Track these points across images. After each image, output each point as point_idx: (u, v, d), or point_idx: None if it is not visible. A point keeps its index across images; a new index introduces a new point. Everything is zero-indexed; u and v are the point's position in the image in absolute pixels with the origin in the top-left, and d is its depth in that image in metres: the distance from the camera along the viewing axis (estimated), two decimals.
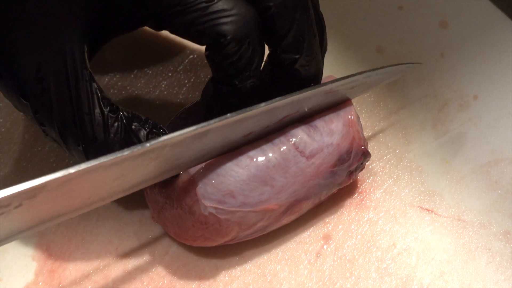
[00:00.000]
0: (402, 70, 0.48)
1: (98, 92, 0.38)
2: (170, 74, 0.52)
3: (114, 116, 0.39)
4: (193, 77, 0.52)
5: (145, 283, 0.44)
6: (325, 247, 0.46)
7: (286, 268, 0.44)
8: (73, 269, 0.44)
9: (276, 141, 0.42)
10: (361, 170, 0.46)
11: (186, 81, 0.52)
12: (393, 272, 0.45)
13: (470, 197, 0.48)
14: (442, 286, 0.45)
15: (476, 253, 0.46)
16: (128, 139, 0.39)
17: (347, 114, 0.44)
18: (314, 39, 0.41)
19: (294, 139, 0.43)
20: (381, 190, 0.48)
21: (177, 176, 0.42)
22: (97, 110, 0.38)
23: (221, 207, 0.41)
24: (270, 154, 0.42)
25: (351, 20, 0.56)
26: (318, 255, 0.45)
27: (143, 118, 0.40)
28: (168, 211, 0.43)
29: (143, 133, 0.40)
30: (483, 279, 0.45)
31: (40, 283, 0.44)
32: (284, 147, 0.42)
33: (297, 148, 0.43)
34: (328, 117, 0.44)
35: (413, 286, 0.44)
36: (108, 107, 0.39)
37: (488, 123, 0.51)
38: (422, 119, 0.51)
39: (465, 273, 0.45)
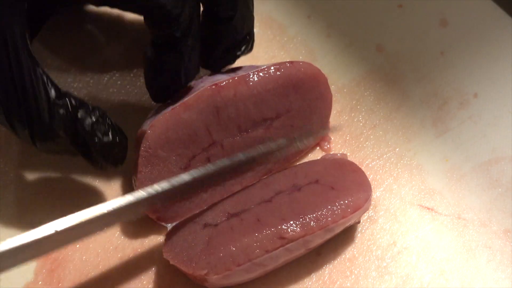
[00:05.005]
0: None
1: (44, 77, 0.39)
2: None
3: (60, 102, 0.39)
4: None
5: (144, 282, 0.44)
6: (325, 245, 0.46)
7: (286, 267, 0.44)
8: (73, 269, 0.44)
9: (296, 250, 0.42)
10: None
11: None
12: (393, 270, 0.45)
13: (470, 195, 0.48)
14: (443, 285, 0.45)
15: (476, 252, 0.46)
16: (73, 126, 0.40)
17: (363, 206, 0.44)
18: None
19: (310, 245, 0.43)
20: (381, 189, 0.48)
21: None
22: (43, 96, 0.38)
23: None
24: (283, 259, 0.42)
25: (351, 19, 0.55)
26: (318, 254, 0.45)
27: (90, 107, 0.41)
28: None
29: (88, 121, 0.40)
30: (484, 277, 0.45)
31: (40, 283, 0.43)
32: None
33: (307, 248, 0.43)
34: (347, 219, 0.43)
35: (413, 285, 0.44)
36: (54, 93, 0.39)
37: (488, 121, 0.51)
38: (422, 117, 0.51)
39: (465, 271, 0.45)
